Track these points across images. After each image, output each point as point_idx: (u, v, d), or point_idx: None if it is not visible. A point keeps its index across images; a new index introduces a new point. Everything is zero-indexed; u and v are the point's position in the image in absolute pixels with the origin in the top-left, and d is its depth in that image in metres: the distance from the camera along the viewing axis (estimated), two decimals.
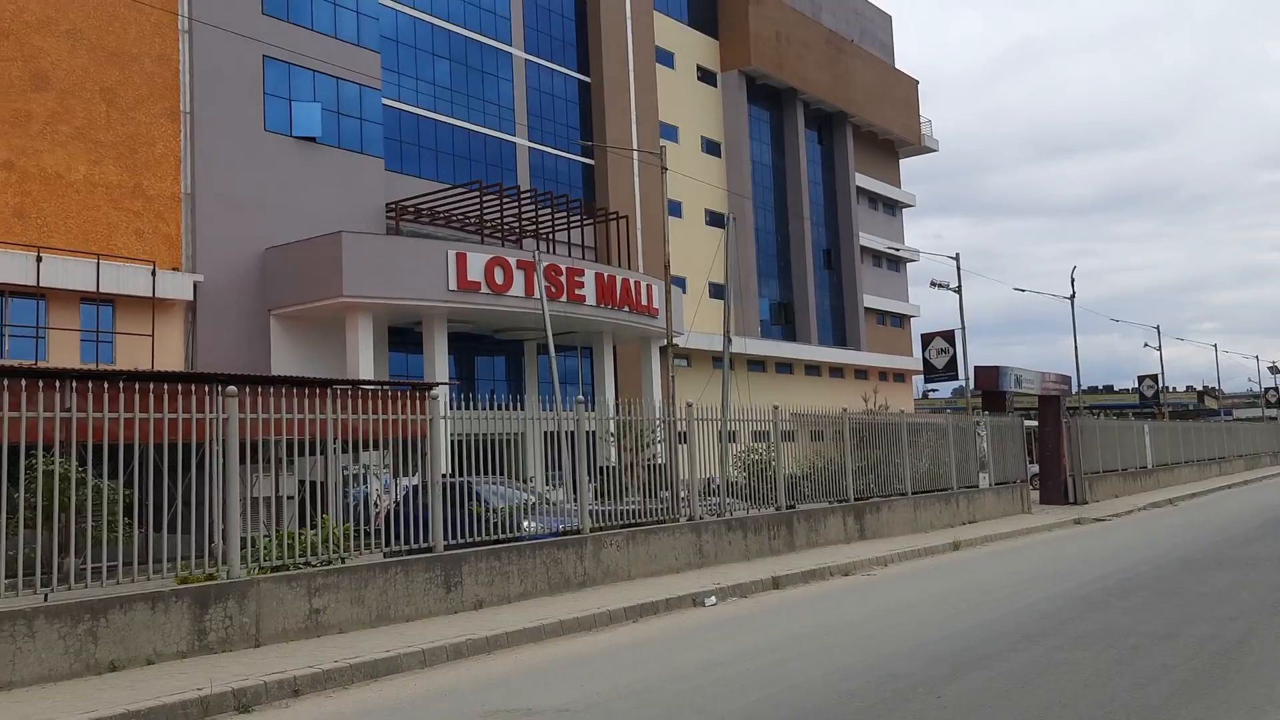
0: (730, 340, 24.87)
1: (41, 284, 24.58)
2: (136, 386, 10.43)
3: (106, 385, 10.14)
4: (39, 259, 24.56)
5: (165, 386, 10.94)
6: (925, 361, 36.85)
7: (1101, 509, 28.90)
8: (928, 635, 10.63)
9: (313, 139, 31.43)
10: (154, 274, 26.71)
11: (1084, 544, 20.45)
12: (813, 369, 55.10)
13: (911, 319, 67.20)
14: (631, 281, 34.25)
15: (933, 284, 38.31)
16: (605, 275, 33.18)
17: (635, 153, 42.31)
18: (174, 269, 27.66)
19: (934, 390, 71.98)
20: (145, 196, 27.46)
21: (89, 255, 25.66)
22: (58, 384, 9.88)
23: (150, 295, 26.56)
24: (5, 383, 9.36)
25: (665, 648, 10.67)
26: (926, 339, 36.94)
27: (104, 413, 9.91)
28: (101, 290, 25.64)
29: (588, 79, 43.38)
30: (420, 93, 36.18)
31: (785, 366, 53.06)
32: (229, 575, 10.40)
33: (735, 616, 12.63)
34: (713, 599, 13.65)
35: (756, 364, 49.31)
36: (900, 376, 63.91)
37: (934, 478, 23.88)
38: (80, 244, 25.83)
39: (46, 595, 9.21)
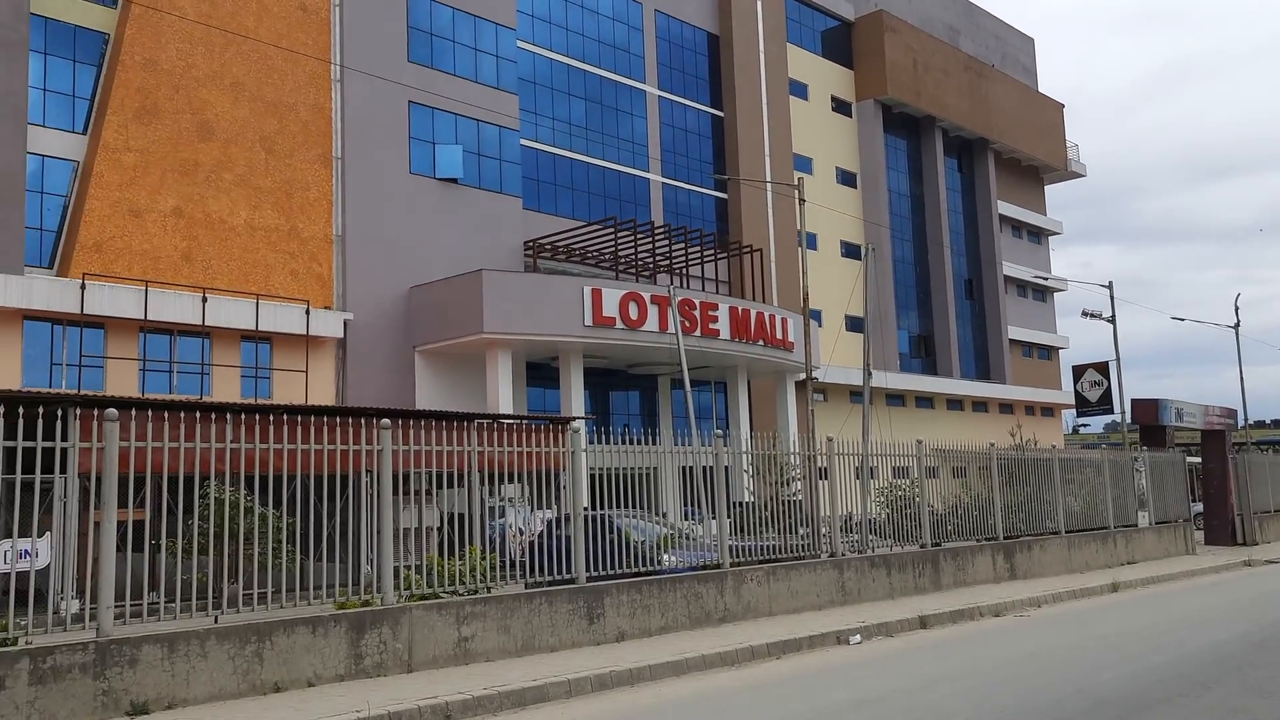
0: (870, 374, 24.44)
1: (206, 323, 26.01)
2: (299, 420, 10.90)
3: (271, 418, 10.62)
4: (204, 299, 26.02)
5: (323, 420, 11.39)
6: (1077, 394, 35.44)
7: (1274, 550, 27.12)
8: (1091, 678, 10.12)
9: (454, 180, 32.49)
10: (308, 313, 27.96)
11: (1257, 586, 19.21)
12: (955, 403, 53.63)
13: (1060, 351, 64.75)
14: (766, 315, 34.07)
15: (1084, 314, 36.86)
16: (739, 309, 33.10)
17: (769, 185, 42.25)
18: (326, 308, 28.89)
19: (1085, 425, 69.14)
20: (300, 239, 28.82)
21: (249, 295, 27.04)
22: (227, 417, 10.41)
23: (304, 333, 27.80)
24: (179, 416, 9.91)
25: (811, 685, 10.46)
26: (1078, 371, 35.54)
27: (269, 444, 10.37)
28: (260, 329, 26.98)
29: (720, 113, 43.63)
30: (556, 132, 37.02)
31: (926, 401, 51.81)
32: (383, 602, 10.71)
33: (882, 655, 12.30)
34: (857, 637, 13.34)
35: (896, 398, 48.29)
36: (1048, 411, 61.57)
37: (1088, 516, 22.86)
38: (241, 285, 27.25)
39: (216, 618, 9.65)
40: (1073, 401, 36.94)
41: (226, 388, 26.59)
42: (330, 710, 8.66)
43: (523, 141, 35.04)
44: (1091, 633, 13.64)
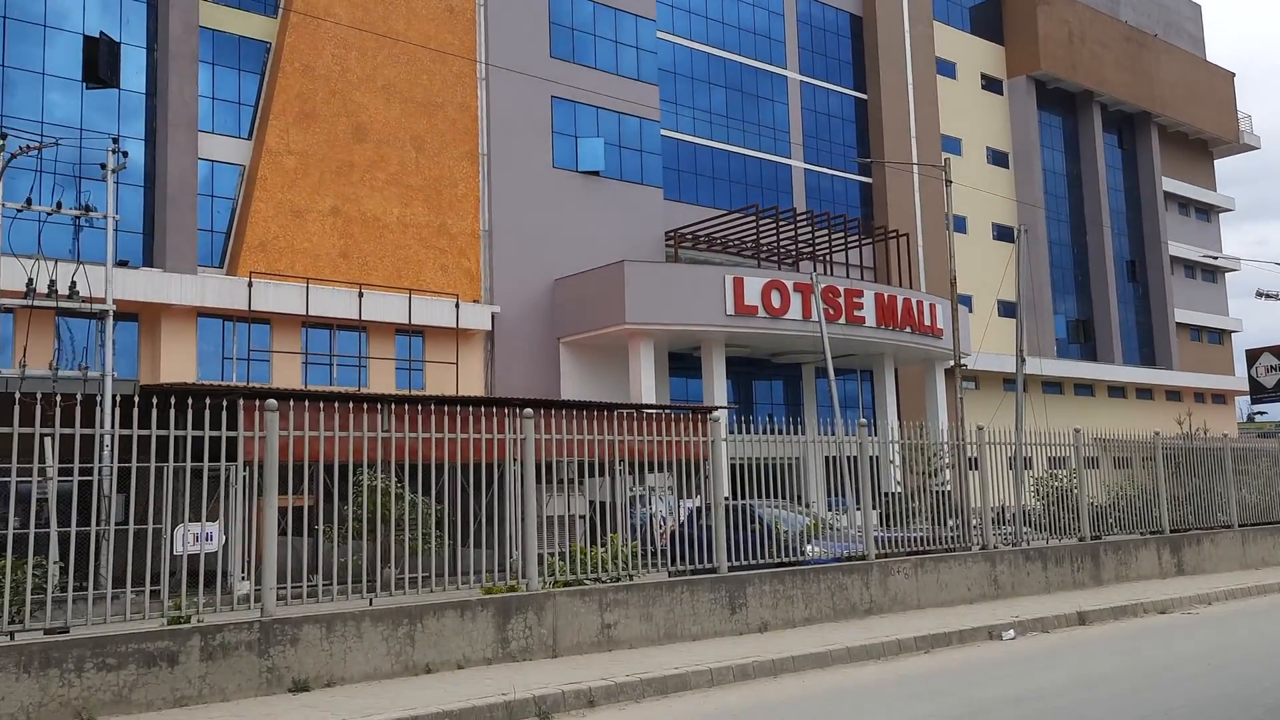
0: (1024, 360, 23.55)
1: (363, 318, 27.09)
2: (446, 410, 11.22)
3: (420, 408, 10.96)
4: (360, 295, 27.08)
5: (469, 410, 11.69)
6: (1251, 380, 33.35)
7: None
8: (1268, 680, 9.49)
9: (596, 173, 32.85)
10: (457, 306, 28.77)
11: None
12: (1116, 390, 51.15)
13: (1233, 334, 60.93)
14: (914, 301, 33.24)
15: (1259, 295, 34.64)
16: (885, 295, 32.39)
17: (915, 168, 41.16)
18: (474, 301, 29.67)
19: (1261, 413, 64.85)
20: (449, 234, 29.67)
21: (402, 290, 28.01)
22: (378, 408, 10.79)
23: (454, 326, 28.63)
24: (333, 406, 10.33)
25: (963, 680, 10.15)
26: (1252, 355, 33.43)
27: (418, 434, 10.71)
28: (413, 322, 27.94)
29: (864, 96, 42.73)
30: (697, 121, 36.97)
31: (1085, 388, 49.58)
32: (528, 588, 10.92)
33: (1037, 651, 11.84)
34: (1011, 632, 12.87)
35: (1052, 386, 46.38)
36: (1220, 398, 58.03)
37: (1265, 509, 21.44)
38: (394, 280, 28.25)
39: (371, 600, 10.03)
40: (1246, 388, 34.72)
41: (382, 379, 27.63)
42: (478, 693, 8.88)
43: (663, 132, 35.14)
44: (1268, 632, 12.79)
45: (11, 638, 8.38)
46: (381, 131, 28.83)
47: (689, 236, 34.59)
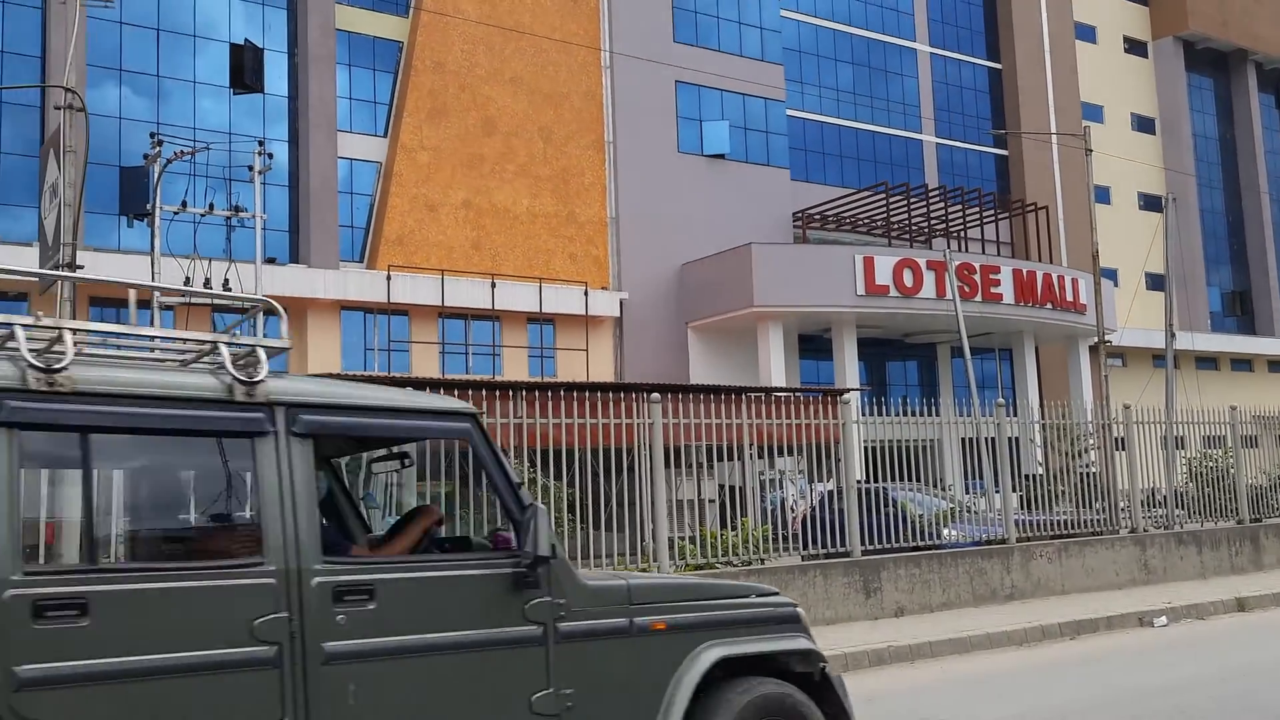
0: (1173, 335, 22.46)
1: (495, 307, 27.71)
2: (577, 395, 11.40)
3: (552, 395, 11.17)
4: (493, 285, 27.71)
5: (599, 395, 11.84)
6: None
7: None
8: None
9: (722, 156, 32.74)
10: (586, 294, 29.14)
11: None
12: (1277, 365, 48.26)
13: None
14: (1054, 276, 32.08)
15: None
16: (1024, 271, 31.35)
17: (1054, 137, 39.61)
18: (603, 288, 29.99)
19: None
20: (577, 223, 30.05)
21: (532, 280, 28.53)
22: (510, 394, 11.04)
23: (583, 313, 29.01)
24: (467, 394, 10.62)
25: (1111, 667, 9.78)
26: None
27: (549, 419, 10.92)
28: (543, 311, 28.43)
29: (998, 65, 41.32)
30: (823, 99, 36.43)
31: (1242, 363, 46.94)
32: (659, 571, 11.01)
33: (1191, 639, 11.31)
34: (1163, 619, 12.33)
35: (1206, 361, 44.08)
36: None
37: None
38: (524, 270, 28.79)
39: None
40: None
41: (515, 367, 28.23)
42: None
43: (789, 112, 34.74)
44: None
45: None
46: (510, 124, 29.36)
47: (817, 217, 34.15)
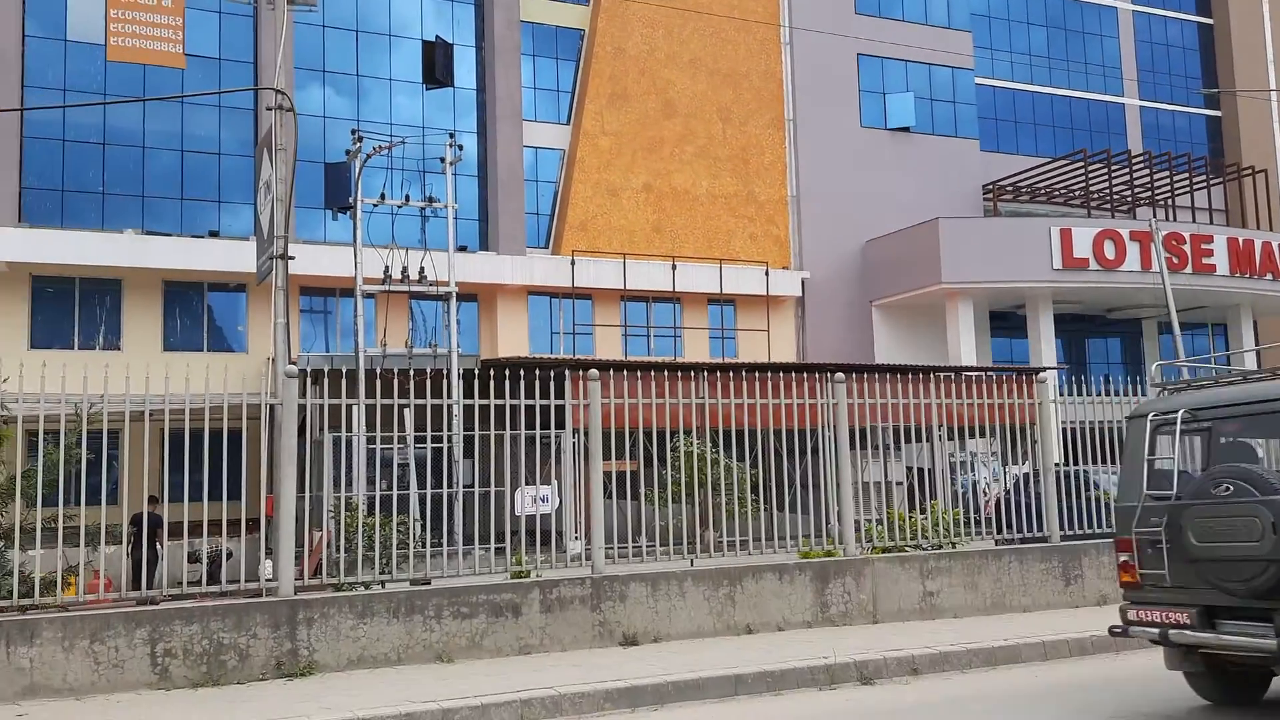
0: None
1: (676, 289, 27.91)
2: (759, 376, 11.37)
3: (734, 375, 11.18)
4: (674, 267, 27.90)
5: (781, 376, 11.77)
6: None
7: None
8: None
9: (906, 129, 31.81)
10: (767, 274, 28.96)
11: None
12: None
13: None
14: (1274, 245, 29.68)
15: None
16: (1240, 240, 29.16)
17: (1274, 95, 36.52)
18: (784, 268, 29.71)
19: None
20: (757, 203, 29.86)
21: (713, 261, 28.56)
22: (691, 375, 11.11)
23: (764, 294, 28.84)
24: (650, 375, 10.75)
25: None
26: None
27: (730, 400, 10.93)
28: (724, 292, 28.44)
29: (1209, 20, 38.40)
30: (1015, 65, 34.82)
31: None
32: (845, 553, 10.88)
33: None
34: None
35: None
36: None
37: None
38: (705, 251, 28.84)
39: (692, 561, 10.39)
40: None
41: (696, 348, 28.37)
42: (799, 655, 8.98)
43: (977, 80, 33.40)
44: None
45: (383, 586, 9.44)
46: (689, 106, 29.43)
47: (1009, 188, 32.73)
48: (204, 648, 8.24)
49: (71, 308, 23.49)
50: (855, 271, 30.52)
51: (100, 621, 8.04)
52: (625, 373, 10.68)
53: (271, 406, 9.28)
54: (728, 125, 29.81)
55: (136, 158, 24.35)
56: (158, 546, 15.49)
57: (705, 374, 11.36)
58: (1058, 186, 33.28)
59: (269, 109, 12.64)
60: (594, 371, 10.18)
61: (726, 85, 29.95)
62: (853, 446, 11.39)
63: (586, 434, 10.08)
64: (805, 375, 12.57)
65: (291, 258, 12.35)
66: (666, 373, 11.01)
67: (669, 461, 10.78)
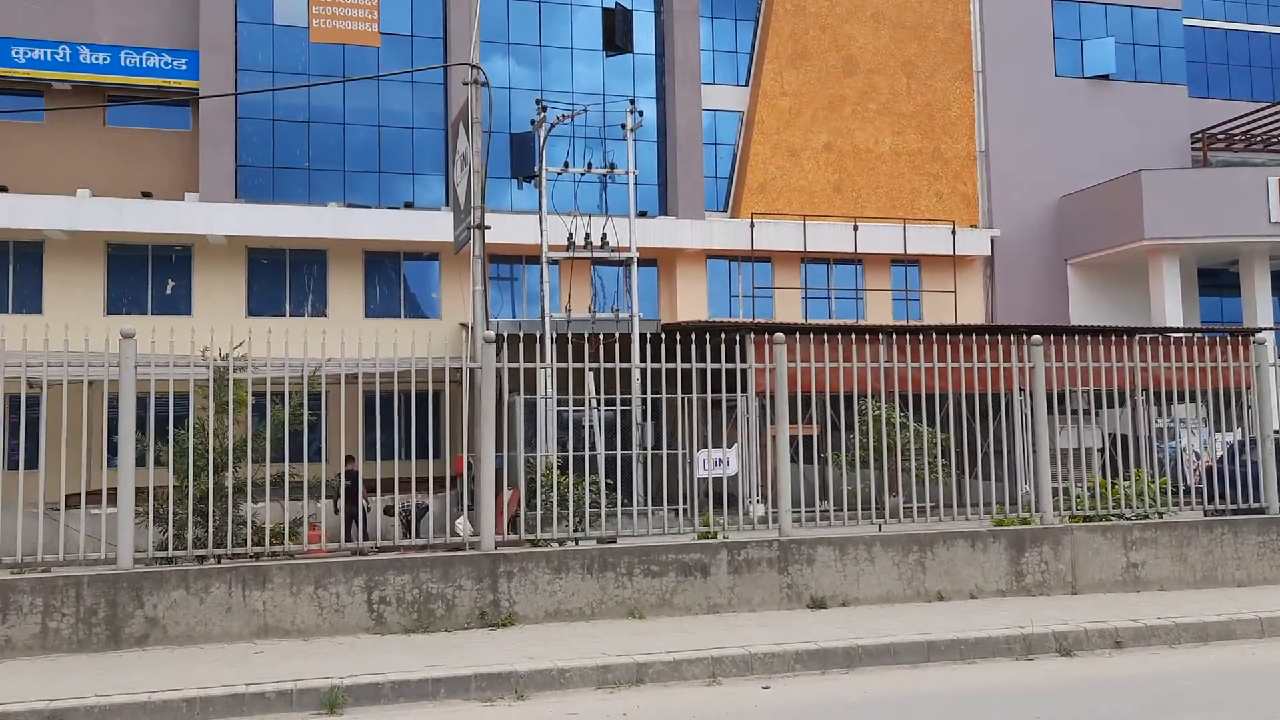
0: None
1: (858, 250, 27.38)
2: (947, 339, 11.08)
3: (920, 338, 10.94)
4: (855, 228, 27.37)
5: (970, 338, 11.44)
6: None
7: None
8: None
9: (1106, 77, 30.03)
10: (953, 233, 28.02)
11: None
12: None
13: None
14: None
15: None
16: None
17: None
18: (972, 226, 28.68)
19: None
20: (943, 159, 28.87)
21: (895, 220, 27.85)
22: (879, 338, 10.94)
23: (950, 254, 27.94)
24: (836, 339, 10.65)
25: None
26: None
27: (919, 363, 10.71)
28: (908, 252, 27.70)
29: None
30: (1228, 3, 32.26)
31: None
32: (1041, 521, 10.55)
33: None
34: None
35: None
36: None
37: None
38: (887, 210, 28.15)
39: (880, 526, 10.30)
40: None
41: (879, 310, 27.80)
42: (993, 624, 8.80)
43: (1185, 22, 31.11)
44: None
45: (576, 543, 9.78)
46: (871, 61, 28.66)
47: (1220, 137, 30.47)
48: (414, 596, 8.78)
49: (283, 277, 25.12)
50: (1049, 229, 29.16)
51: (323, 569, 8.67)
52: (810, 336, 10.62)
53: (471, 370, 9.70)
54: (912, 80, 28.89)
55: (338, 134, 25.69)
56: (361, 502, 16.48)
57: (893, 336, 11.15)
58: (1276, 133, 30.76)
59: (464, 84, 13.08)
60: (780, 335, 10.18)
61: (911, 38, 28.99)
62: (1049, 412, 10.98)
63: (772, 398, 10.11)
64: (997, 338, 12.16)
65: (488, 227, 12.81)
66: (853, 336, 10.86)
67: (856, 426, 10.68)
